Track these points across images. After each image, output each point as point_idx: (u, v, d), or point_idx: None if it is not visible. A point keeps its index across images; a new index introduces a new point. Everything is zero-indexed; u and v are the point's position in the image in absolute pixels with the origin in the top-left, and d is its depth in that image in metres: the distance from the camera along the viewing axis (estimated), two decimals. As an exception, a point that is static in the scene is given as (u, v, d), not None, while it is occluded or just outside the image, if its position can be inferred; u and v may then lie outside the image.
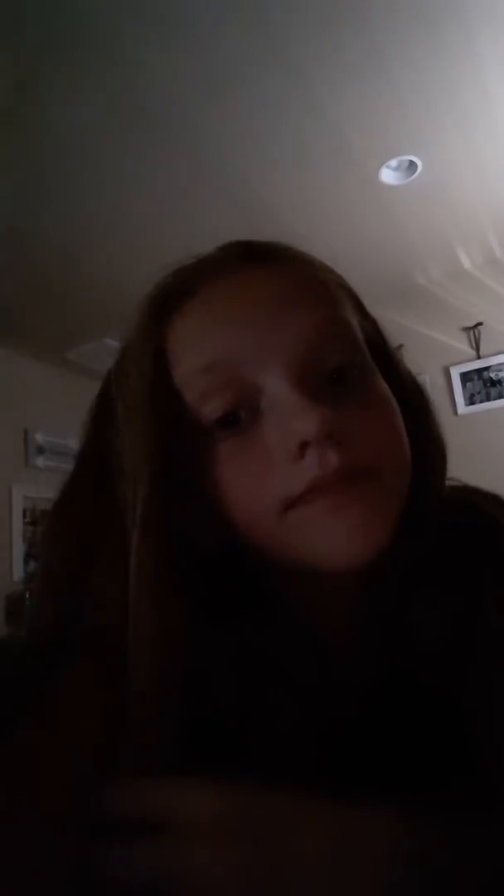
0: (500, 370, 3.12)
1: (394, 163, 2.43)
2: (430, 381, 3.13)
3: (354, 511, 0.36)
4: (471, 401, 3.15)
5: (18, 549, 3.63)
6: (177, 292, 0.42)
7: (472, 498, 0.48)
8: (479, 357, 3.18)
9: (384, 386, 0.41)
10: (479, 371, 3.17)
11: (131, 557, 0.37)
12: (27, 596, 3.39)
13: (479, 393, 3.15)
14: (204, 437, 0.39)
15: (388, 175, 2.49)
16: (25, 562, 3.64)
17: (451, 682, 0.40)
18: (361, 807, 0.31)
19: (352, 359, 0.39)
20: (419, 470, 0.42)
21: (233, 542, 0.40)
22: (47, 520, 0.44)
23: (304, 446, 0.36)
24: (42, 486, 3.79)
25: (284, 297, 0.40)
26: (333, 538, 0.36)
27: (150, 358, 0.40)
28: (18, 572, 3.58)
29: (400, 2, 1.73)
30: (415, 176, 2.49)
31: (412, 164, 2.44)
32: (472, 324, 3.20)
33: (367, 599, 0.43)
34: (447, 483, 0.47)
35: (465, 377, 3.18)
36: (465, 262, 3.20)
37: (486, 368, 3.15)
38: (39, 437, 3.82)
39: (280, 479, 0.37)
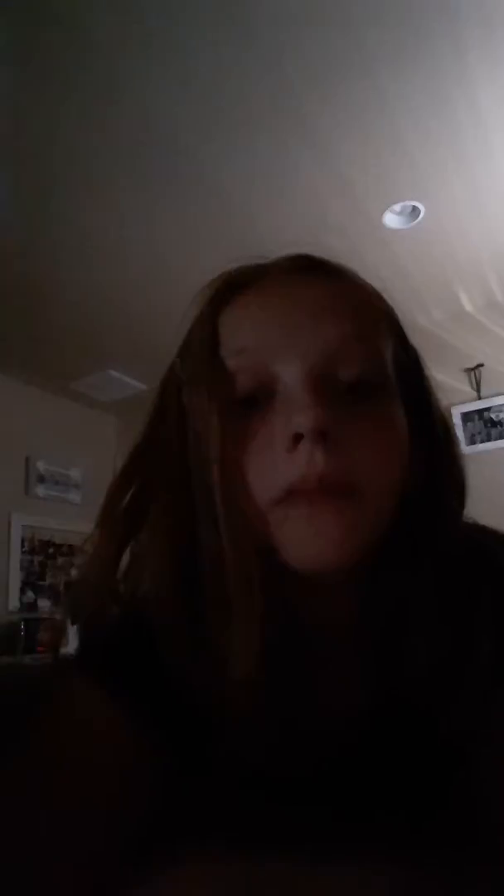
0: (501, 411, 3.15)
1: (397, 207, 2.49)
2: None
3: (329, 524, 0.38)
4: (472, 441, 3.17)
5: (15, 578, 3.60)
6: (235, 284, 0.46)
7: (479, 534, 0.49)
8: (479, 398, 3.20)
9: (397, 412, 0.43)
10: (480, 412, 3.19)
11: (214, 491, 0.39)
12: (21, 626, 3.36)
13: (479, 433, 3.17)
14: (235, 412, 0.41)
15: (391, 219, 2.55)
16: (22, 591, 3.61)
17: (440, 714, 0.40)
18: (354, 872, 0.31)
19: (370, 376, 0.41)
20: (434, 502, 0.44)
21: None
22: (116, 475, 0.46)
23: (297, 438, 0.38)
24: (41, 515, 3.79)
25: (322, 306, 0.43)
26: (305, 543, 0.38)
27: (208, 334, 0.44)
28: (14, 602, 3.54)
29: (403, 52, 1.81)
30: (417, 220, 2.56)
31: (415, 209, 2.51)
32: (472, 365, 3.24)
33: (360, 621, 0.44)
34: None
35: (466, 417, 3.20)
36: (467, 305, 3.26)
37: (487, 409, 3.18)
38: (41, 466, 3.82)
39: (276, 466, 0.39)
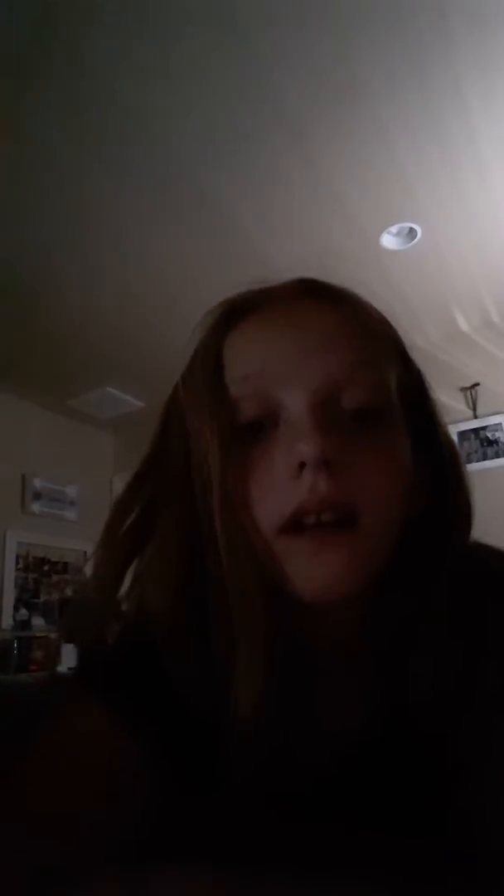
0: (497, 430, 3.16)
1: (394, 229, 2.52)
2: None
3: (334, 556, 0.38)
4: (468, 460, 3.17)
5: (9, 595, 3.57)
6: (239, 309, 0.46)
7: (483, 553, 0.49)
8: (475, 417, 3.22)
9: (400, 438, 0.43)
10: (476, 430, 3.20)
11: (215, 515, 0.39)
12: (14, 644, 3.32)
13: (475, 452, 3.18)
14: (239, 438, 0.41)
15: (388, 241, 2.58)
16: (15, 608, 3.58)
17: (445, 735, 0.39)
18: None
19: (373, 404, 0.41)
20: (440, 524, 0.44)
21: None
22: (120, 494, 0.46)
23: (301, 466, 0.38)
24: (37, 532, 3.77)
25: (326, 331, 0.43)
26: (310, 576, 0.39)
27: (212, 359, 0.44)
28: (7, 620, 3.51)
29: (399, 76, 1.84)
30: (414, 242, 2.59)
31: (412, 231, 2.54)
32: (469, 384, 3.26)
33: (364, 642, 0.44)
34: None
35: (463, 436, 3.22)
36: (463, 325, 3.29)
37: (483, 428, 3.19)
38: (37, 483, 3.81)
39: (279, 494, 0.39)
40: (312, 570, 0.38)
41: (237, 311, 0.46)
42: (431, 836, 0.37)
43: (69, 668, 0.44)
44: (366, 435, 0.41)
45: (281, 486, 0.39)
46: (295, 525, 0.39)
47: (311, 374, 0.40)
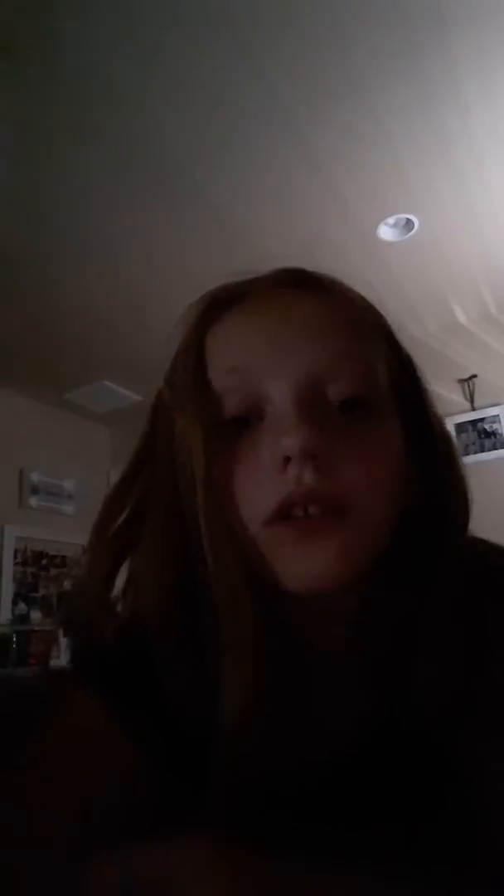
0: (495, 422, 3.16)
1: (391, 220, 2.51)
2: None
3: (321, 544, 0.37)
4: (465, 451, 3.17)
5: (7, 589, 3.57)
6: (222, 302, 0.45)
7: (481, 548, 0.48)
8: (473, 409, 3.22)
9: (391, 428, 0.42)
10: (474, 422, 3.20)
11: (200, 517, 0.39)
12: (13, 638, 3.33)
13: (473, 444, 3.18)
14: (225, 433, 0.41)
15: (385, 232, 2.57)
16: (14, 602, 3.58)
17: (446, 737, 0.39)
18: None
19: (361, 394, 0.41)
20: (436, 516, 0.43)
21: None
22: (107, 496, 0.45)
23: (286, 460, 0.37)
24: (35, 526, 3.77)
25: (311, 322, 0.42)
26: (297, 564, 0.38)
27: (194, 355, 0.43)
28: (6, 614, 3.51)
29: (395, 67, 1.83)
30: (412, 233, 2.58)
31: (409, 222, 2.53)
32: (466, 376, 3.26)
33: (361, 639, 0.43)
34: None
35: (460, 428, 3.22)
36: (461, 317, 3.28)
37: (481, 420, 3.19)
38: (35, 478, 3.81)
39: (264, 487, 0.38)
40: (298, 559, 0.38)
41: (220, 304, 0.45)
42: (431, 837, 0.37)
43: (67, 662, 0.44)
44: (355, 426, 0.40)
45: (267, 480, 0.38)
46: (282, 517, 0.38)
47: (295, 366, 0.40)
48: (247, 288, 0.46)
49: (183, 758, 0.36)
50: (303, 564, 0.38)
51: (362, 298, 0.48)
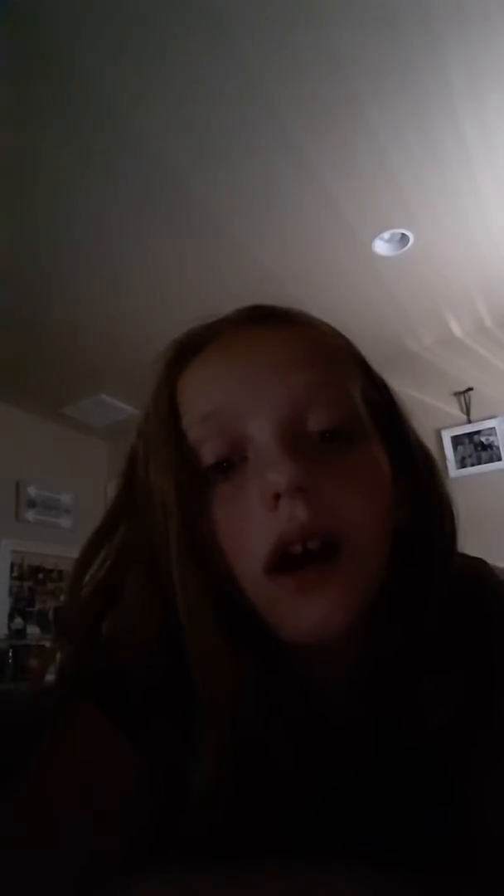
0: (491, 434, 3.17)
1: (386, 235, 2.54)
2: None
3: (320, 595, 0.37)
4: (462, 464, 3.18)
5: (3, 604, 3.55)
6: (189, 348, 0.45)
7: (482, 570, 0.47)
8: (469, 421, 3.23)
9: (376, 452, 0.42)
10: (470, 435, 3.21)
11: (174, 574, 0.38)
12: (9, 653, 3.30)
13: (469, 456, 3.19)
14: (203, 481, 0.40)
15: (381, 246, 2.60)
16: (10, 617, 3.55)
17: (451, 766, 0.38)
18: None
19: (341, 423, 0.40)
20: (424, 539, 0.42)
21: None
22: (82, 550, 0.44)
23: (276, 497, 0.37)
24: (31, 540, 3.75)
25: (283, 357, 0.41)
26: (296, 620, 0.37)
27: (165, 406, 0.42)
28: (2, 629, 3.49)
29: (390, 84, 1.86)
30: (406, 248, 2.60)
31: (404, 237, 2.55)
32: (462, 389, 3.27)
33: (360, 671, 0.42)
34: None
35: (457, 440, 3.23)
36: (456, 330, 3.30)
37: (477, 432, 3.20)
38: (32, 491, 3.80)
39: (257, 529, 0.37)
40: (301, 612, 0.37)
41: (187, 350, 0.45)
42: (430, 850, 0.36)
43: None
44: (339, 455, 0.39)
45: (258, 520, 0.37)
46: (280, 559, 0.37)
47: (272, 401, 0.39)
48: (213, 330, 0.45)
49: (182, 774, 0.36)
50: (303, 616, 0.37)
51: (329, 327, 0.47)
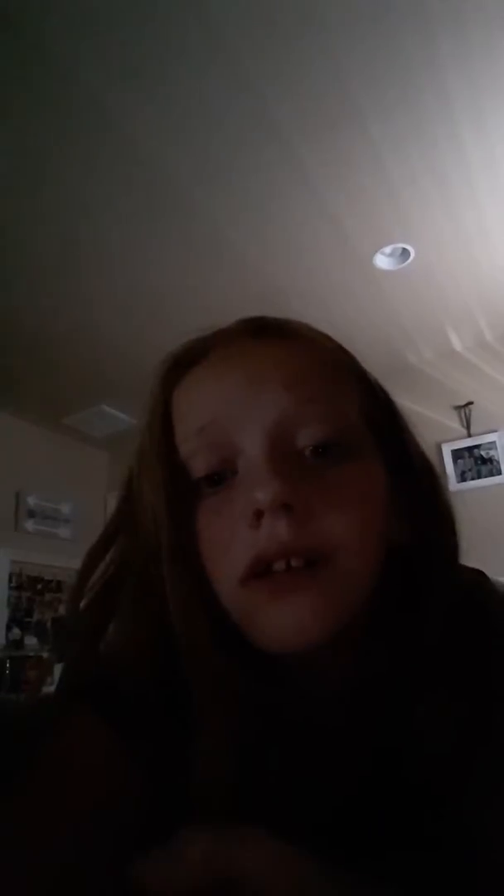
0: (491, 448, 3.17)
1: (387, 250, 2.55)
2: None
3: (295, 602, 0.36)
4: (462, 478, 3.18)
5: (1, 614, 3.53)
6: (183, 361, 0.45)
7: (482, 584, 0.47)
8: (469, 435, 3.23)
9: (371, 466, 0.41)
10: (470, 449, 3.21)
11: (166, 585, 0.38)
12: (6, 664, 3.28)
13: (470, 470, 3.18)
14: (194, 493, 0.40)
15: (381, 261, 2.61)
16: (8, 628, 3.53)
17: (449, 787, 0.37)
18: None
19: (333, 436, 0.40)
20: (425, 553, 0.42)
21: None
22: (82, 563, 0.45)
23: (258, 514, 0.36)
24: (30, 550, 3.74)
25: (275, 370, 0.41)
26: (269, 626, 0.37)
27: (159, 419, 0.43)
28: (0, 639, 3.47)
29: (391, 99, 1.88)
30: (407, 262, 2.61)
31: (405, 251, 2.57)
32: (463, 403, 3.28)
33: (356, 687, 0.41)
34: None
35: (457, 454, 3.22)
36: (456, 344, 3.31)
37: (478, 446, 3.20)
38: (31, 501, 3.79)
39: (238, 544, 0.37)
40: (272, 618, 0.36)
41: (182, 364, 0.45)
42: (427, 871, 0.36)
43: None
44: (331, 469, 0.39)
45: (239, 535, 0.37)
46: (254, 574, 0.37)
47: (262, 416, 0.39)
48: (207, 344, 0.45)
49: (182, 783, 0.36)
50: (276, 623, 0.36)
51: (328, 339, 0.47)
